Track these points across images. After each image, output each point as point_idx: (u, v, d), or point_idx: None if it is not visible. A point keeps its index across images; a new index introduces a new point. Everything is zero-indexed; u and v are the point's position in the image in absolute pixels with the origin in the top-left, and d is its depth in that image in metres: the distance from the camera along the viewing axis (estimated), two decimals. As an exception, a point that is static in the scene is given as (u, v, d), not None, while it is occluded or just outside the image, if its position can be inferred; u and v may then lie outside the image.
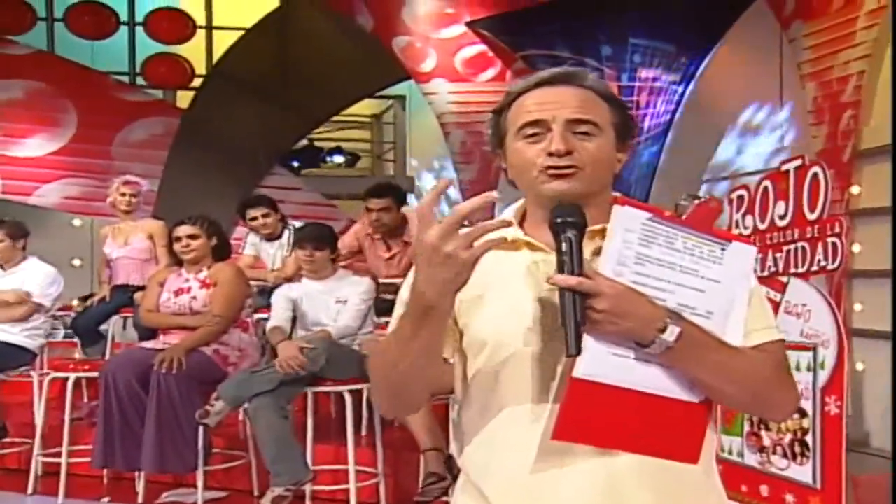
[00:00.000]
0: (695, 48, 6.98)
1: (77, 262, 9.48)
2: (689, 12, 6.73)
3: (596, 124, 1.42)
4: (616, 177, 1.47)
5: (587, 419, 1.31)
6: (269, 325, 4.21)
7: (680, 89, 7.11)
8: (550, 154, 1.38)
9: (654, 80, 7.09)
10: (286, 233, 5.61)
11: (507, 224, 1.40)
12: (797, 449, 2.73)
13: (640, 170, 7.13)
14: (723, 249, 1.37)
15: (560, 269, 1.30)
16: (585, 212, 1.36)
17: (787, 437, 2.76)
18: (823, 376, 2.65)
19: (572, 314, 1.27)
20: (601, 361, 1.31)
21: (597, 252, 1.35)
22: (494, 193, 1.28)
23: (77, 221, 9.44)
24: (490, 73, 8.32)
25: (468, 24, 8.10)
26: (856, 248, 5.00)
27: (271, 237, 5.67)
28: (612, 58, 7.21)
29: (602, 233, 1.35)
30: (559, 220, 1.32)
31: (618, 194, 1.46)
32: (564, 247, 1.31)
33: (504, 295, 1.42)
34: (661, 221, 1.35)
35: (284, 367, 3.77)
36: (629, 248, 1.33)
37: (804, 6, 5.69)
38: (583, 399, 1.31)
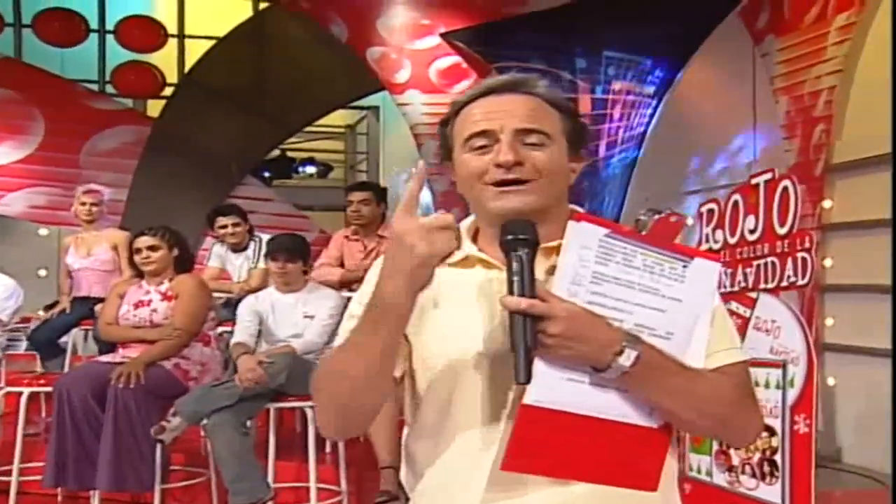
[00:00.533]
0: (669, 61, 6.99)
1: (43, 273, 9.31)
2: (663, 26, 6.74)
3: (546, 134, 1.36)
4: (571, 188, 1.41)
5: (539, 447, 1.25)
6: (232, 340, 4.11)
7: (654, 102, 7.11)
8: (498, 165, 1.32)
9: (628, 92, 7.10)
10: (252, 244, 5.53)
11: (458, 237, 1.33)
12: (766, 468, 2.67)
13: (613, 182, 7.12)
14: (684, 266, 1.30)
15: (510, 290, 1.23)
16: (539, 228, 1.30)
17: (756, 457, 2.71)
18: (793, 394, 2.59)
19: (522, 339, 1.21)
20: (554, 387, 1.24)
21: (551, 271, 1.29)
22: (421, 163, 1.29)
23: (44, 231, 9.26)
24: (464, 84, 8.26)
25: (443, 36, 8.08)
26: (828, 262, 4.99)
27: (237, 248, 5.58)
28: (586, 70, 7.22)
29: (558, 250, 1.29)
30: (510, 237, 1.26)
31: (576, 208, 1.41)
32: (515, 266, 1.24)
33: (456, 314, 1.36)
34: (620, 237, 1.28)
35: (243, 381, 3.67)
36: (585, 266, 1.26)
37: (776, 21, 5.72)
38: (534, 426, 1.24)
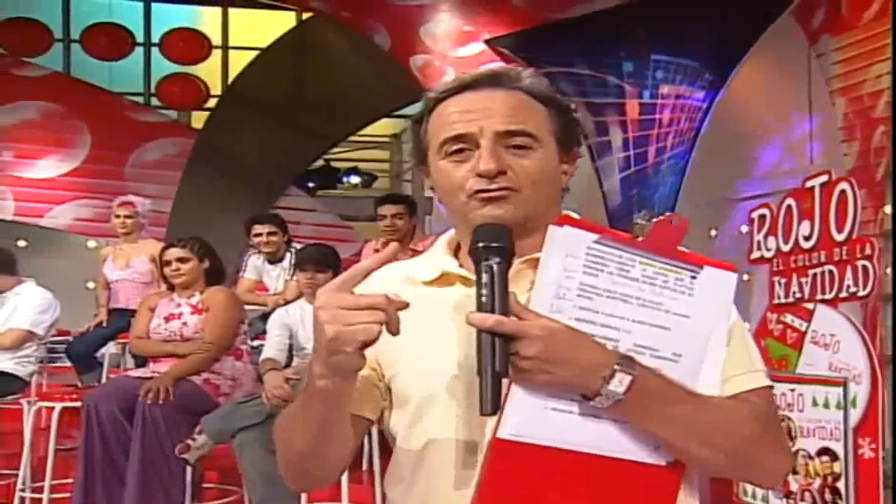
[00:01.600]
0: (719, 64, 6.78)
1: (91, 285, 9.36)
2: (712, 27, 6.55)
3: (532, 135, 1.18)
4: (564, 192, 1.24)
5: (518, 489, 1.06)
6: (262, 356, 4.00)
7: (704, 106, 6.90)
8: (479, 175, 1.16)
9: (678, 96, 6.89)
10: (288, 255, 5.40)
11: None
12: (828, 496, 2.45)
13: (663, 189, 6.92)
14: (693, 277, 1.13)
15: (479, 306, 1.06)
16: (529, 238, 1.15)
17: (817, 483, 2.49)
18: (855, 415, 2.38)
19: (489, 362, 1.02)
20: (535, 418, 1.06)
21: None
22: (394, 245, 1.13)
23: (92, 243, 9.34)
24: (509, 91, 8.14)
25: (487, 42, 7.98)
26: (890, 270, 4.74)
27: (273, 259, 5.47)
28: (633, 74, 7.04)
29: None
30: (480, 244, 1.09)
31: (570, 213, 1.21)
32: (484, 278, 1.07)
33: (432, 339, 1.18)
34: (612, 244, 1.11)
35: (271, 398, 3.55)
36: (571, 277, 1.09)
37: (833, 20, 5.52)
38: (511, 464, 1.06)
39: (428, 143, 1.23)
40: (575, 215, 1.22)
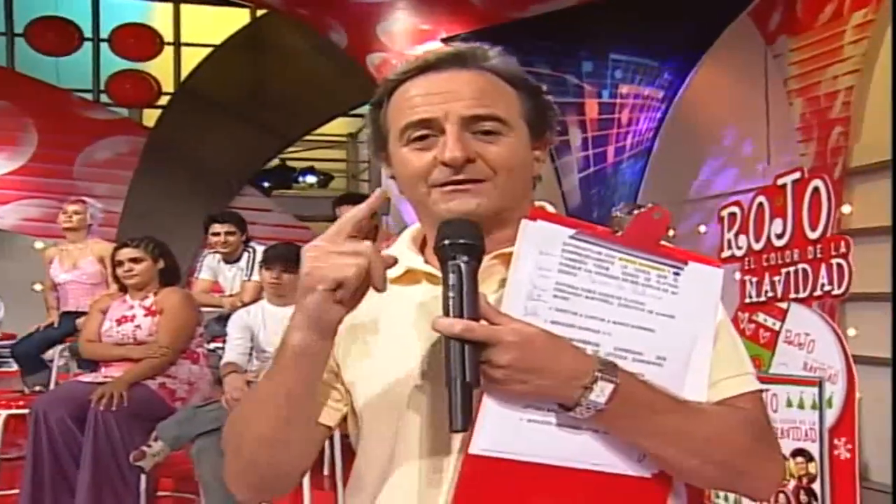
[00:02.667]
0: (678, 64, 6.82)
1: (38, 287, 9.11)
2: (671, 27, 6.58)
3: (501, 120, 1.10)
4: (536, 180, 1.16)
5: (486, 495, 0.98)
6: (223, 360, 3.88)
7: (663, 106, 6.93)
8: (444, 164, 1.07)
9: (636, 96, 6.92)
10: (245, 255, 5.28)
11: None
12: (803, 498, 2.42)
13: (623, 189, 6.93)
14: (676, 274, 1.05)
15: (445, 310, 0.97)
16: (498, 232, 1.07)
17: (792, 484, 2.46)
18: (831, 415, 2.35)
19: (459, 372, 0.93)
20: (509, 431, 0.98)
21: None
22: (386, 188, 1.05)
23: (39, 244, 9.09)
24: (467, 90, 8.11)
25: (444, 41, 7.92)
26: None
27: (229, 259, 5.34)
28: (592, 74, 7.05)
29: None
30: (446, 242, 1.00)
31: (544, 204, 1.14)
32: (451, 279, 0.98)
33: (395, 340, 1.10)
34: (590, 239, 1.03)
35: (230, 401, 3.44)
36: (545, 276, 1.01)
37: (789, 21, 5.57)
38: (484, 481, 0.98)
39: (388, 129, 1.14)
40: (550, 207, 1.15)
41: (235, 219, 5.46)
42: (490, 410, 0.98)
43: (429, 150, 1.09)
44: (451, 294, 0.97)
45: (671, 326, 1.04)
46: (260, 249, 5.22)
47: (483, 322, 0.96)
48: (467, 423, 0.94)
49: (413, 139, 1.10)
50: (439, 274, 1.02)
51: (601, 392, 0.97)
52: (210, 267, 5.41)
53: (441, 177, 1.07)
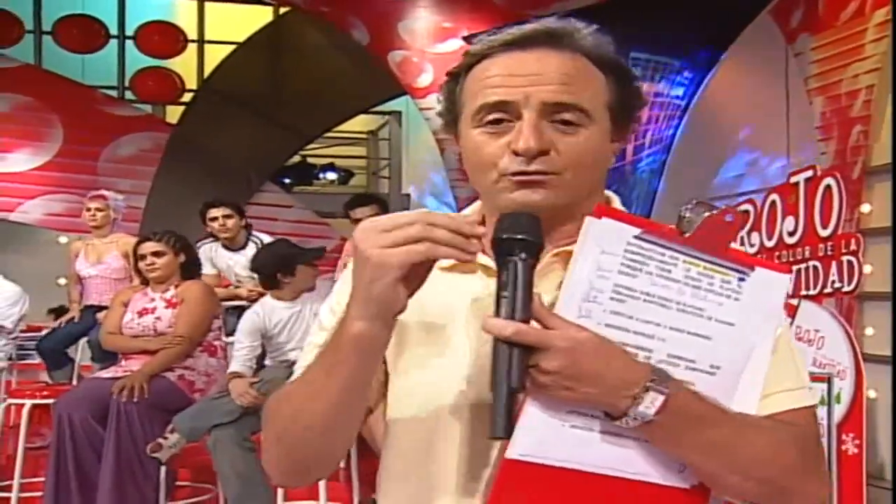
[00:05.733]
0: (698, 62, 6.80)
1: (62, 281, 9.24)
2: (691, 26, 6.55)
3: (585, 111, 1.01)
4: (609, 174, 1.09)
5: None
6: (229, 368, 3.88)
7: (682, 104, 6.91)
8: (516, 153, 0.98)
9: (657, 94, 6.90)
10: (251, 245, 5.25)
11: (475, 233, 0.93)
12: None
13: (640, 187, 6.92)
14: (741, 279, 0.99)
15: (497, 310, 0.92)
16: (564, 227, 1.02)
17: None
18: (839, 411, 2.36)
19: (505, 377, 0.89)
20: (549, 437, 0.95)
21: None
22: (481, 229, 0.93)
23: (63, 239, 9.20)
24: (487, 88, 8.13)
25: (465, 39, 7.94)
26: (867, 268, 4.75)
27: (233, 246, 5.31)
28: (612, 71, 7.04)
29: None
30: (504, 236, 0.94)
31: (610, 195, 1.10)
32: (506, 276, 0.92)
33: (443, 334, 1.05)
34: (655, 240, 0.97)
35: (240, 402, 3.49)
36: (605, 277, 0.96)
37: (810, 19, 5.53)
38: (522, 486, 0.95)
39: (462, 106, 1.05)
40: (617, 202, 1.10)
41: (230, 202, 5.42)
42: (532, 415, 0.94)
43: (502, 135, 1.01)
44: (504, 293, 0.92)
45: (729, 334, 0.99)
46: (266, 239, 5.20)
47: (534, 324, 0.92)
48: (509, 432, 0.91)
49: (486, 122, 1.02)
50: (495, 267, 0.95)
51: (651, 404, 0.92)
52: (208, 257, 5.30)
53: (511, 166, 0.99)
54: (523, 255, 0.93)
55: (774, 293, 1.02)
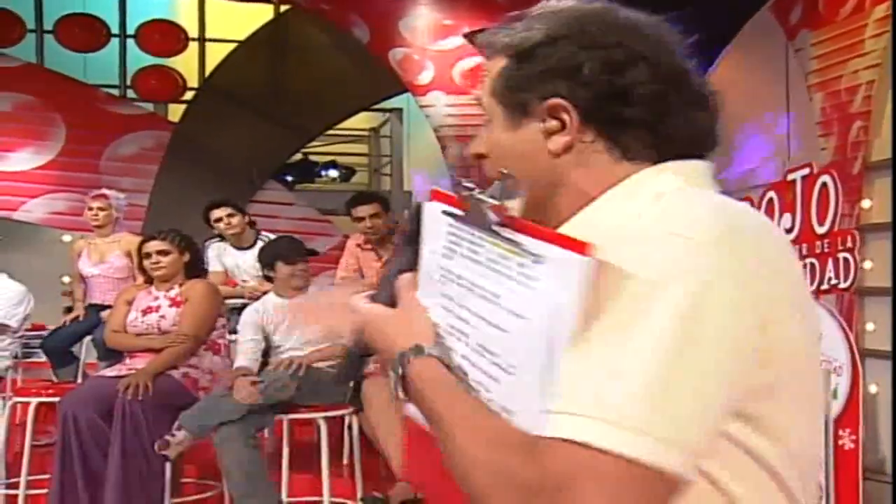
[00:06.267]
0: (697, 59, 6.79)
1: (66, 279, 9.28)
2: (690, 22, 6.54)
3: (481, 104, 1.03)
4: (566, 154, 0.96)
5: (425, 464, 0.99)
6: (235, 363, 3.93)
7: (682, 100, 6.92)
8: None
9: (656, 91, 6.91)
10: (259, 243, 5.29)
11: None
12: (808, 487, 2.47)
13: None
14: (537, 262, 0.82)
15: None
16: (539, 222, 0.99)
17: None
18: (836, 406, 2.39)
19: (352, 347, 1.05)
20: None
21: None
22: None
23: (67, 237, 9.23)
24: (488, 85, 8.15)
25: (466, 36, 7.95)
26: (867, 264, 4.77)
27: (241, 245, 5.34)
28: (612, 69, 7.05)
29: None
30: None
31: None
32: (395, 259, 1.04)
33: None
34: (464, 221, 0.90)
35: (241, 399, 3.52)
36: (434, 259, 0.96)
37: (810, 15, 5.54)
38: (414, 440, 1.00)
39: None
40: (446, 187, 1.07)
41: (231, 202, 5.46)
42: None
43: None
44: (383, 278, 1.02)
45: (524, 329, 0.82)
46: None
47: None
48: (354, 394, 1.07)
49: None
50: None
51: (393, 381, 0.92)
52: (217, 256, 5.37)
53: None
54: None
55: (569, 280, 0.78)
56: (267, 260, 4.06)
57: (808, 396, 0.88)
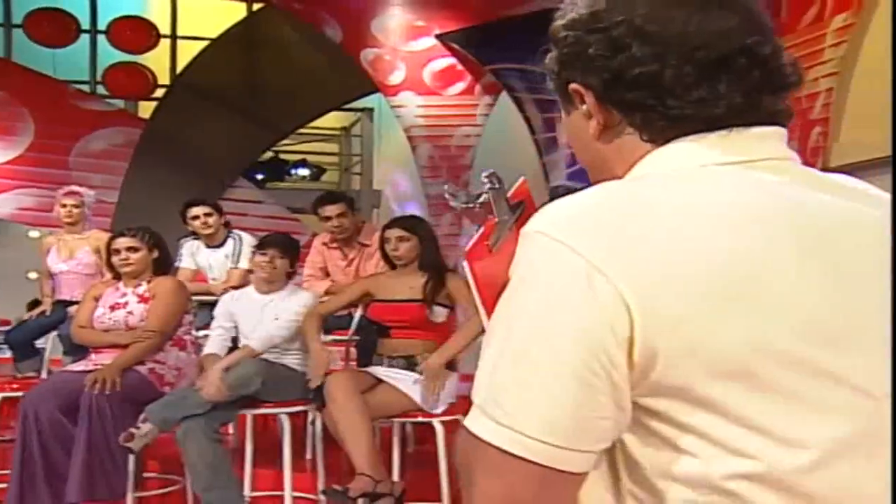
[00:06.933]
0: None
1: (33, 276, 9.22)
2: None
3: None
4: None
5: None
6: (204, 350, 3.98)
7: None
8: None
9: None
10: (231, 242, 5.34)
11: None
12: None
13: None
14: None
15: None
16: None
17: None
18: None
19: None
20: None
21: None
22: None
23: (34, 233, 9.18)
24: (459, 86, 8.22)
25: (438, 37, 8.02)
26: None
27: (213, 244, 5.39)
28: (581, 72, 7.14)
29: None
30: None
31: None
32: None
33: None
34: None
35: (202, 394, 3.56)
36: None
37: (773, 23, 5.62)
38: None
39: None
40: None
41: (209, 201, 5.50)
42: None
43: None
44: None
45: None
46: (246, 237, 5.30)
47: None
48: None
49: None
50: None
51: None
52: (190, 253, 5.41)
53: None
54: None
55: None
56: (255, 249, 4.15)
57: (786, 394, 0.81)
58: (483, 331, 0.90)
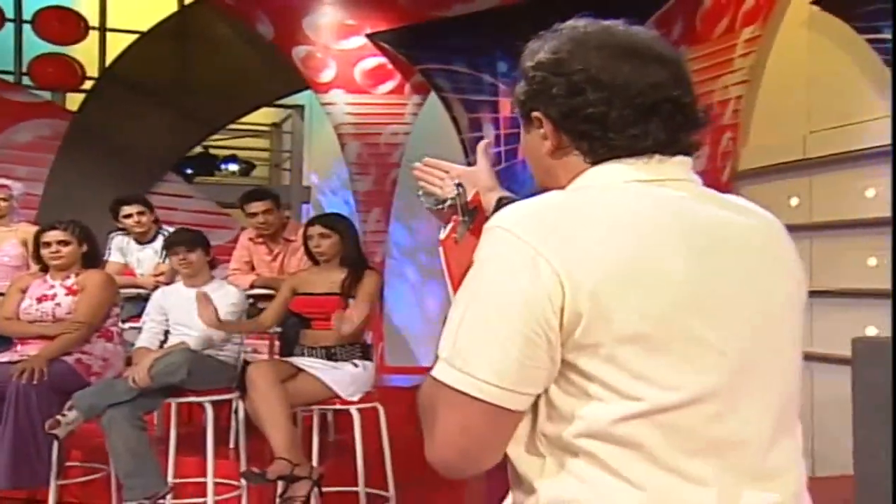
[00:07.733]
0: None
1: (-46, 268, 9.07)
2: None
3: None
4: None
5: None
6: (136, 343, 4.07)
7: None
8: None
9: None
10: (160, 237, 5.40)
11: None
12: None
13: (531, 184, 7.23)
14: None
15: None
16: None
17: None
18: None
19: None
20: None
21: None
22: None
23: (-43, 225, 9.01)
24: (389, 85, 8.33)
25: (369, 37, 8.11)
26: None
27: (143, 240, 5.45)
28: (507, 73, 7.32)
29: None
30: None
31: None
32: None
33: None
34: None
35: (130, 381, 3.66)
36: None
37: (689, 32, 5.88)
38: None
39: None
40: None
41: (141, 199, 5.55)
42: None
43: None
44: None
45: None
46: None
47: None
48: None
49: None
50: None
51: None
52: (119, 248, 5.47)
53: None
54: None
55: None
56: (164, 251, 4.25)
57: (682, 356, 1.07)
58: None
